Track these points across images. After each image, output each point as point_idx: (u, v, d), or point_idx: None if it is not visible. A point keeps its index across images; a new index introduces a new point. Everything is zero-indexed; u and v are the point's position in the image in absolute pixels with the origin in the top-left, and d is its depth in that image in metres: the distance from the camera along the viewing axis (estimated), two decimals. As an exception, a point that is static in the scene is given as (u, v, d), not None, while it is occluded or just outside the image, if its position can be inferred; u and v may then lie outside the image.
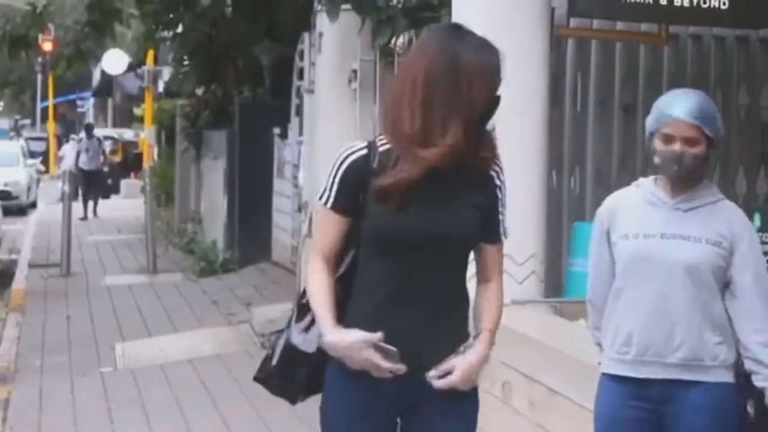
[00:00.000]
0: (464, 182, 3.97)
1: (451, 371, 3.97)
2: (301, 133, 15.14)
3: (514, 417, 6.70)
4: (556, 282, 8.80)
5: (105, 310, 15.25)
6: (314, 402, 4.19)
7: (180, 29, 20.05)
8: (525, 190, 7.72)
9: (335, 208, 3.99)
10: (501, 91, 3.99)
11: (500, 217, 4.08)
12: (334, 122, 12.62)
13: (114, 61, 32.07)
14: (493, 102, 3.94)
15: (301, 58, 14.66)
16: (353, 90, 12.55)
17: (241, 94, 19.78)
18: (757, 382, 4.65)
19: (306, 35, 14.21)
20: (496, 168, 4.05)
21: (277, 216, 17.30)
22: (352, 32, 12.27)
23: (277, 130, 17.05)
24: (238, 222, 18.32)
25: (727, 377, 4.70)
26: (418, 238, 3.92)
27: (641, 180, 4.91)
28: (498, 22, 7.63)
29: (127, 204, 31.32)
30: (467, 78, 3.84)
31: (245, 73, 19.90)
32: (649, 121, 4.79)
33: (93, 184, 29.10)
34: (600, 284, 4.88)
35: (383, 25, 11.46)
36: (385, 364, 3.88)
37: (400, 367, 3.88)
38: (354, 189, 3.95)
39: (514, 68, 7.44)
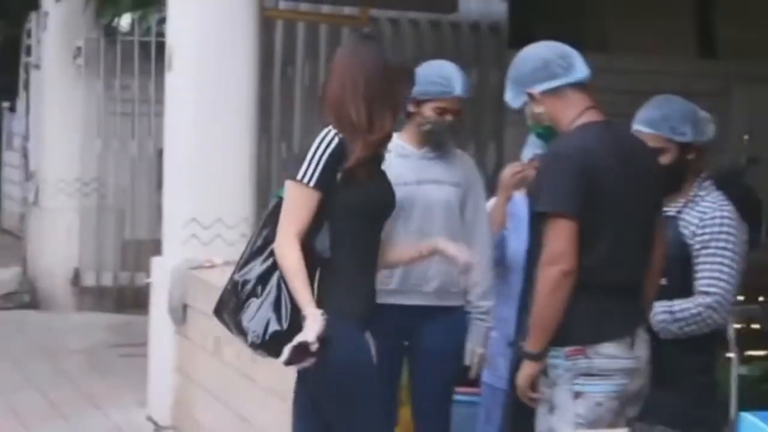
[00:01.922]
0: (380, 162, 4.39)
1: None
2: (29, 106, 14.76)
3: (224, 369, 6.69)
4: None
5: None
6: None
7: None
8: (235, 161, 7.69)
9: (318, 186, 4.15)
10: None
11: None
12: (59, 96, 12.48)
13: None
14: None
15: (29, 36, 14.29)
16: (78, 66, 12.34)
17: (-29, 70, 19.12)
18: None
19: (33, 14, 13.84)
20: None
21: (7, 186, 16.83)
22: (77, 11, 12.07)
23: (6, 104, 16.58)
24: (-32, 192, 17.73)
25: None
26: (390, 203, 4.35)
27: None
28: (209, 4, 7.57)
29: None
30: (395, 79, 4.25)
31: (-25, 51, 19.25)
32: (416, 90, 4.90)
33: None
34: None
35: (107, 5, 11.30)
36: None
37: None
38: (334, 169, 4.16)
39: (226, 49, 7.55)
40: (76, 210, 12.42)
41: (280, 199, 4.27)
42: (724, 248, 4.55)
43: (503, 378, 4.88)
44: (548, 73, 4.11)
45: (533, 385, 4.06)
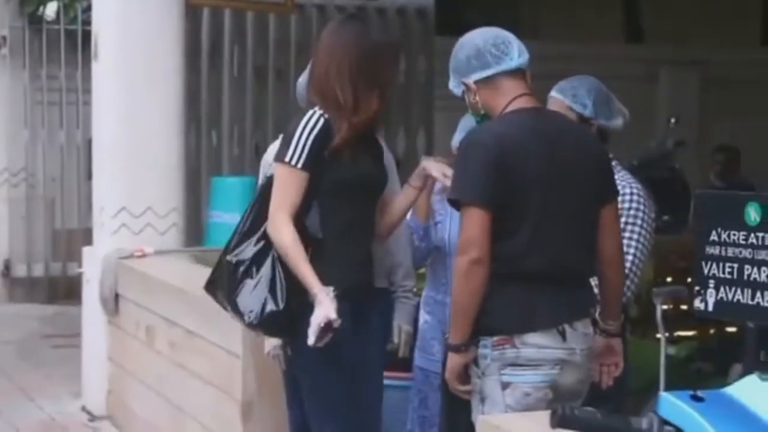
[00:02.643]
0: (373, 137, 4.52)
1: None
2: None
3: (156, 358, 6.68)
4: (198, 232, 8.80)
5: None
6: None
7: None
8: (165, 150, 7.66)
9: (305, 167, 4.26)
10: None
11: None
12: (-16, 86, 12.30)
13: None
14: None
15: (-47, 25, 14.13)
16: (3, 56, 12.22)
17: None
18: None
19: (-44, 3, 13.69)
20: None
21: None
22: (0, 0, 11.94)
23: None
24: None
25: None
26: (377, 179, 4.44)
27: None
28: (135, -9, 7.53)
29: None
30: (381, 59, 4.35)
31: None
32: None
33: None
34: None
35: (31, -6, 11.21)
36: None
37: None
38: (320, 149, 4.27)
39: (152, 37, 7.51)
40: (5, 200, 12.30)
41: (268, 179, 4.37)
42: (633, 223, 4.65)
43: (438, 361, 4.91)
44: (481, 63, 4.06)
45: (462, 376, 4.05)
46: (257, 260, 4.30)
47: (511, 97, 4.05)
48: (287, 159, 4.28)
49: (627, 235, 4.64)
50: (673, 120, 12.66)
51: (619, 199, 4.61)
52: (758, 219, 4.45)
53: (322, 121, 4.29)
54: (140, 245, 7.45)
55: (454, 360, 4.03)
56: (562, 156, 4.01)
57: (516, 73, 4.08)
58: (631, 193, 4.70)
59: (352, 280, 4.34)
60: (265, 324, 4.30)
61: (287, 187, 4.29)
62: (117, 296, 7.36)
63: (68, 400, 8.08)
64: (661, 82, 14.34)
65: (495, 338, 3.95)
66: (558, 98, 4.75)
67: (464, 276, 3.91)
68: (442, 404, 4.81)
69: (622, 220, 4.60)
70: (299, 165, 4.27)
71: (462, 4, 12.33)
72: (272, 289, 4.25)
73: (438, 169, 4.42)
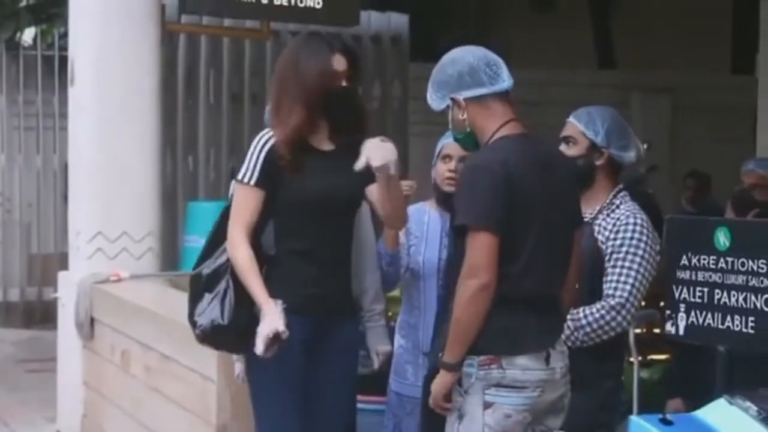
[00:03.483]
0: (352, 155, 4.28)
1: None
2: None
3: (132, 382, 6.65)
4: (173, 257, 8.77)
5: None
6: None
7: None
8: (141, 175, 7.65)
9: (258, 184, 4.30)
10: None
11: None
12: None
13: None
14: (334, 90, 4.35)
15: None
16: (-22, 80, 12.21)
17: None
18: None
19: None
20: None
21: None
22: (-23, 26, 11.93)
23: None
24: None
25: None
26: (334, 196, 4.37)
27: None
28: (111, 17, 7.54)
29: None
30: (302, 74, 4.33)
31: None
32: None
33: None
34: None
35: (7, 21, 11.18)
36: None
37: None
38: (272, 167, 4.30)
39: (129, 62, 7.51)
40: (-18, 225, 12.29)
41: (231, 197, 4.43)
42: (635, 254, 4.59)
43: (413, 385, 4.89)
44: (474, 81, 4.05)
45: (447, 395, 4.03)
46: (216, 276, 4.36)
47: (501, 122, 4.05)
48: (240, 177, 4.34)
49: (627, 264, 4.57)
50: (645, 145, 12.70)
51: (623, 228, 4.61)
52: (727, 244, 4.49)
53: (273, 139, 4.34)
54: (116, 270, 7.43)
55: (446, 378, 4.00)
56: (551, 181, 4.03)
57: (504, 95, 4.09)
58: (635, 224, 4.62)
59: (302, 297, 4.34)
60: (211, 337, 4.36)
61: (242, 205, 4.34)
62: (92, 321, 7.34)
63: (43, 425, 8.04)
64: (633, 107, 14.40)
65: (481, 358, 3.94)
66: (573, 123, 4.74)
67: (471, 300, 3.89)
68: (420, 426, 4.78)
69: (623, 249, 4.58)
70: (251, 182, 4.31)
71: (436, 31, 12.37)
72: (222, 304, 4.31)
73: (375, 149, 4.23)
